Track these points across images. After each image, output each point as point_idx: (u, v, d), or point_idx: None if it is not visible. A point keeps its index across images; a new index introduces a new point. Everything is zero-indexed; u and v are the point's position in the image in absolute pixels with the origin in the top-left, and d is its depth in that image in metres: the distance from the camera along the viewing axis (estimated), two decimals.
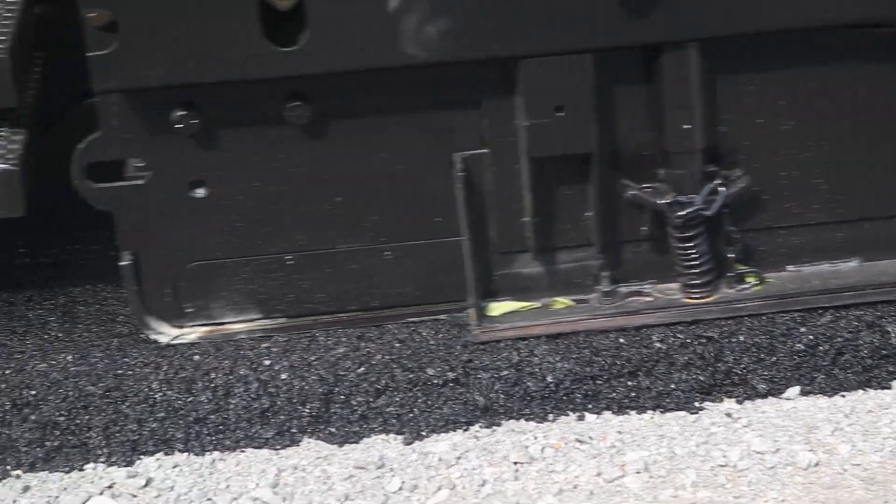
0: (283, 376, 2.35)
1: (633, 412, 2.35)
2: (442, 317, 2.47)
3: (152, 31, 2.20)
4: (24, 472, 2.31)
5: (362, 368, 2.36)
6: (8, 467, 2.32)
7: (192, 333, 2.44)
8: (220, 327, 2.45)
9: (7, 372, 2.37)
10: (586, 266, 2.47)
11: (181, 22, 2.20)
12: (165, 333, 2.43)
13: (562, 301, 2.49)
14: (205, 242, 2.40)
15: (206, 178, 2.36)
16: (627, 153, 2.42)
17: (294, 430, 2.34)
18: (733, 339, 2.38)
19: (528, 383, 2.35)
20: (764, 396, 2.37)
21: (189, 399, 2.34)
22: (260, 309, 2.46)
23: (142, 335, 2.44)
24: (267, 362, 2.38)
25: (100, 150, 2.32)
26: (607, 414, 2.36)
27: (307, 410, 2.33)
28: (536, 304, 2.49)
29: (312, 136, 2.34)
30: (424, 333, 2.43)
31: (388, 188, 2.40)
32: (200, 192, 2.37)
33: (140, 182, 2.35)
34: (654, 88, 2.36)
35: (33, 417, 2.33)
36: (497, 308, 2.48)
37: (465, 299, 2.44)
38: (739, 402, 2.37)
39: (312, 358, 2.38)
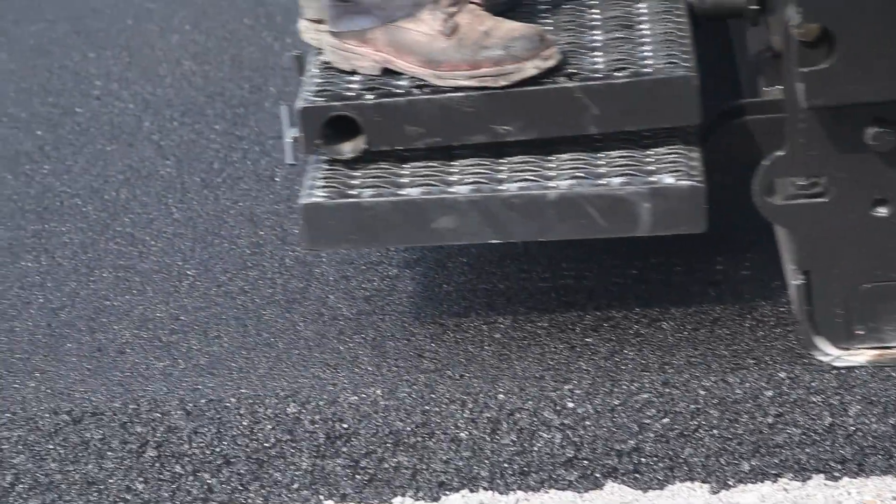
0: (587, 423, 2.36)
1: None
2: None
3: (870, 46, 2.19)
4: (336, 503, 2.40)
5: (666, 419, 2.34)
6: (321, 496, 2.40)
7: (859, 356, 2.41)
8: (889, 351, 2.42)
9: (321, 404, 2.45)
10: None
11: None
12: (831, 354, 2.41)
13: None
14: (883, 263, 2.36)
15: (890, 197, 2.32)
16: None
17: (598, 475, 2.35)
18: None
19: (843, 448, 2.29)
20: None
21: (494, 439, 2.38)
22: None
23: (809, 354, 2.43)
24: (570, 405, 2.39)
25: (783, 168, 2.34)
26: None
27: (611, 457, 2.34)
28: None
29: None
30: (731, 381, 2.39)
31: None
32: (882, 212, 2.33)
33: (822, 200, 2.35)
34: None
35: (345, 450, 2.41)
36: None
37: None
38: None
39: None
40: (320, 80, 2.45)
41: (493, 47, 2.33)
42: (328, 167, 2.41)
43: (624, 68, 2.36)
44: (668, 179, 2.28)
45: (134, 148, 3.37)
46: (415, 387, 2.48)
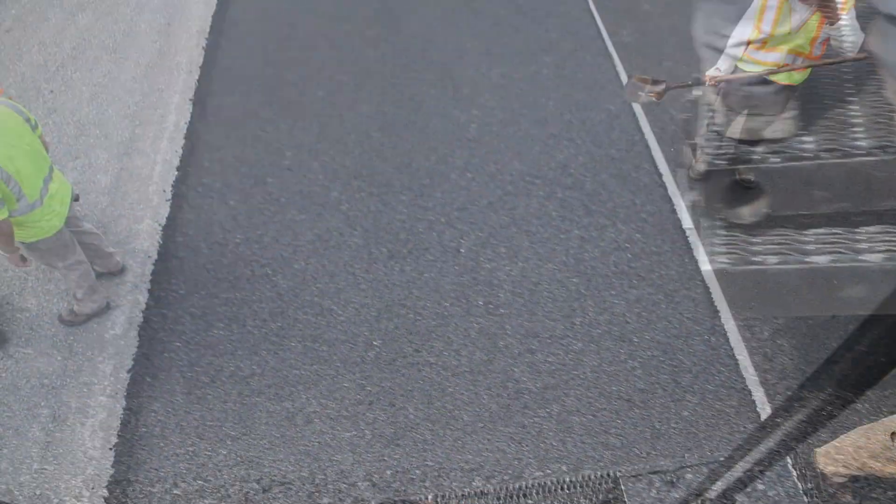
0: None
1: None
2: None
3: None
4: None
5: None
6: None
7: None
8: None
9: (506, 478, 2.44)
10: None
11: None
12: None
13: None
14: None
15: None
16: None
17: None
18: None
19: None
20: None
21: None
22: None
23: None
24: (761, 487, 2.33)
25: None
26: None
27: None
28: None
29: None
30: None
31: None
32: None
33: None
34: None
35: None
36: None
37: None
38: None
39: None
40: (721, 144, 2.41)
41: None
42: (726, 232, 2.35)
43: None
44: None
45: (322, 218, 3.43)
46: (600, 463, 2.45)
